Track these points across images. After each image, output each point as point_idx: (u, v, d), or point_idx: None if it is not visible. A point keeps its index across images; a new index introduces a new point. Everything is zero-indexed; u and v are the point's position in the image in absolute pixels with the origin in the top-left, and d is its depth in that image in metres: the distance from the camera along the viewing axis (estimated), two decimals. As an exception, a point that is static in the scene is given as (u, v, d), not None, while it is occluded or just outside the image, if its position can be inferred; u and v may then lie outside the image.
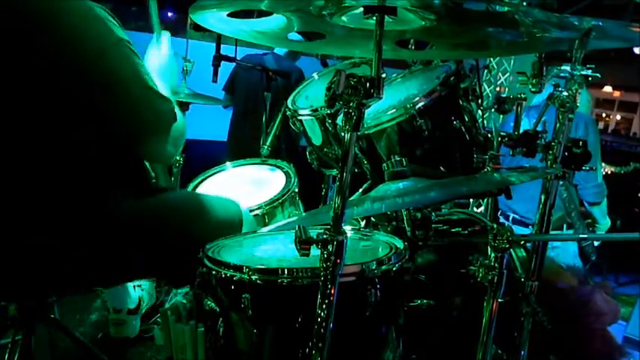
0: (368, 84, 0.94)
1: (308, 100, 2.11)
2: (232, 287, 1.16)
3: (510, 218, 3.26)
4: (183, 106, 2.81)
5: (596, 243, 3.29)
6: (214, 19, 1.28)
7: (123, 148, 1.47)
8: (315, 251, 0.98)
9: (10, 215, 1.36)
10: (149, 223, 1.50)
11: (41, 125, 1.32)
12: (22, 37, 1.27)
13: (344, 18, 1.19)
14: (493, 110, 1.82)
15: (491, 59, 5.54)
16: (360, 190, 1.95)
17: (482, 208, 3.45)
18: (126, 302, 2.15)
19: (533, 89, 1.41)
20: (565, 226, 3.14)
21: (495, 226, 1.17)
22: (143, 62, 1.44)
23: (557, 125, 1.32)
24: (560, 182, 1.39)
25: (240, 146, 3.68)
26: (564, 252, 3.15)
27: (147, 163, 1.64)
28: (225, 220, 1.65)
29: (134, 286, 2.22)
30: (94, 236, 1.40)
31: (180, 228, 1.54)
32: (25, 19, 1.28)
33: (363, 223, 1.88)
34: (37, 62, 1.28)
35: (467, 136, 1.68)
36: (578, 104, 1.30)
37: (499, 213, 3.42)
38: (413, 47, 1.64)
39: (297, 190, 2.16)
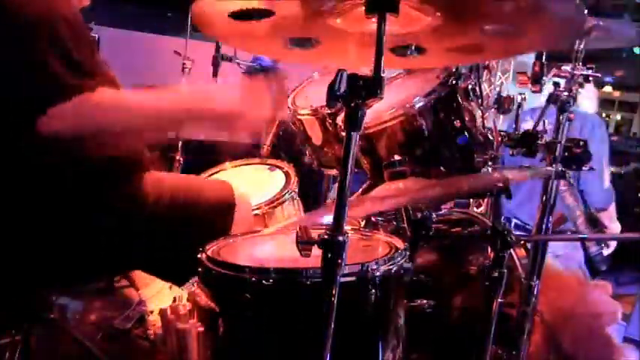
0: (369, 84, 0.94)
1: (308, 100, 2.11)
2: (232, 287, 1.16)
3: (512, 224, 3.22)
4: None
5: (605, 252, 3.15)
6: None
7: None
8: (315, 251, 0.98)
9: (10, 214, 1.36)
10: (142, 213, 1.50)
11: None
12: None
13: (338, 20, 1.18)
14: (493, 110, 1.82)
15: (492, 59, 5.54)
16: (360, 190, 1.95)
17: (482, 208, 3.43)
18: None
19: (533, 89, 1.41)
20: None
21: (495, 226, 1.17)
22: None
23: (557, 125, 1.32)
24: (564, 188, 1.38)
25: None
26: (568, 260, 3.13)
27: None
28: (217, 201, 1.65)
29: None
30: (92, 232, 1.41)
31: (173, 215, 1.55)
32: None
33: (363, 223, 1.88)
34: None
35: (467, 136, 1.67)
36: (582, 103, 1.30)
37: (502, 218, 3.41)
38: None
39: (297, 190, 2.15)
